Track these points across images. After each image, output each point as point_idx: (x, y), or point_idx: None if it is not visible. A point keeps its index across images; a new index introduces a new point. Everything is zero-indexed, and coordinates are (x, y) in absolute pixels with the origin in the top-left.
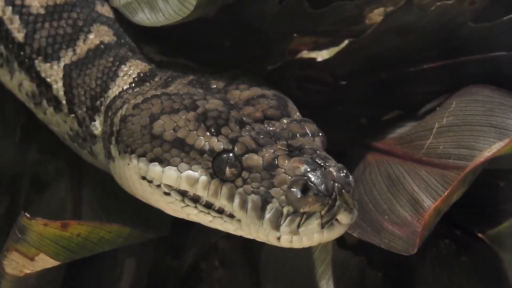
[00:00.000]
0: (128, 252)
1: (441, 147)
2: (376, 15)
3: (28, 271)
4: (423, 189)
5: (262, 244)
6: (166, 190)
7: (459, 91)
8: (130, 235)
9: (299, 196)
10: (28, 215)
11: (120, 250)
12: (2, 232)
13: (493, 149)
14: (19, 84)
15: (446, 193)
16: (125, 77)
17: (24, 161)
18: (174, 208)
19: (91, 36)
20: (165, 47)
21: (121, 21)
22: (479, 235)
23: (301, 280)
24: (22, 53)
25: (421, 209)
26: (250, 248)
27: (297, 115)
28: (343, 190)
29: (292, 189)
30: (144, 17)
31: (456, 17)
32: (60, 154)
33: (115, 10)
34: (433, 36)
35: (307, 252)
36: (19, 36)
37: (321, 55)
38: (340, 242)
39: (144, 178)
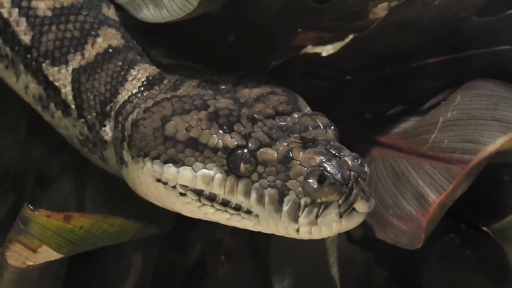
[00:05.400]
0: (135, 248)
1: (445, 141)
2: (380, 10)
3: (30, 263)
4: (428, 183)
5: (269, 238)
6: (182, 191)
7: (463, 85)
8: (133, 229)
9: (315, 186)
10: (31, 207)
11: (126, 246)
12: (9, 228)
13: (497, 143)
14: (25, 86)
15: (450, 188)
16: (134, 81)
17: (29, 158)
18: (191, 208)
19: (99, 39)
20: (172, 50)
21: (127, 24)
22: (484, 229)
23: (310, 272)
24: (28, 55)
25: (426, 204)
26: (255, 243)
27: (307, 109)
28: (359, 179)
29: (308, 180)
30: (149, 14)
31: (459, 12)
32: (64, 151)
33: (121, 13)
34: (437, 30)
35: (316, 244)
36: (26, 38)
37: (326, 50)
38: (348, 236)
39: (159, 180)
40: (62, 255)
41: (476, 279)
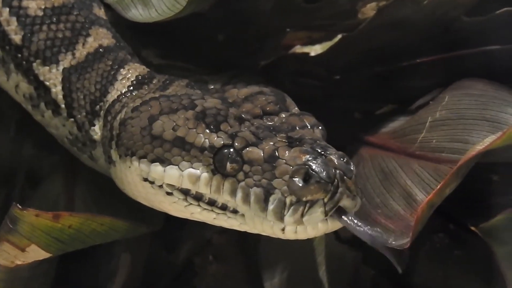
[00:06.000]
0: (124, 247)
1: (434, 141)
2: (369, 10)
3: (19, 262)
4: (416, 183)
5: (258, 238)
6: (169, 190)
7: (452, 85)
8: (122, 228)
9: (301, 184)
10: (20, 206)
11: (115, 245)
12: None
13: (486, 142)
14: (16, 85)
15: (439, 187)
16: (124, 81)
17: (19, 157)
18: (178, 208)
19: (90, 39)
20: (164, 50)
21: (118, 25)
22: (473, 228)
23: (299, 270)
24: (19, 55)
25: (414, 203)
26: (244, 242)
27: (295, 109)
28: (345, 177)
29: (293, 178)
30: (137, 13)
31: (449, 11)
32: (54, 150)
33: (112, 13)
34: (427, 30)
35: (305, 242)
36: (16, 38)
37: (315, 50)
38: (337, 236)
39: (146, 179)
40: (51, 254)
41: (465, 278)
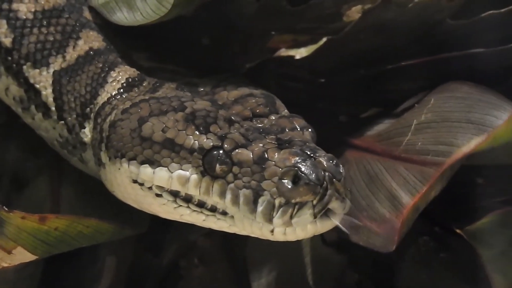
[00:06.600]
0: (109, 250)
1: (419, 143)
2: (354, 13)
3: (5, 265)
4: (402, 185)
5: (243, 241)
6: (158, 192)
7: (438, 88)
8: (108, 231)
9: (290, 186)
10: (6, 208)
11: (100, 248)
12: None
13: (471, 145)
14: (6, 88)
15: (424, 189)
16: (114, 83)
17: (4, 160)
18: (167, 209)
19: (81, 42)
20: (154, 53)
21: (109, 28)
22: (458, 231)
23: (285, 272)
24: (9, 58)
25: (399, 206)
26: (229, 245)
27: (285, 111)
28: (334, 179)
29: (283, 180)
30: (122, 17)
31: (434, 14)
32: (40, 153)
33: (102, 18)
34: (412, 33)
35: (292, 244)
36: (6, 41)
37: (300, 53)
38: (323, 239)
39: (135, 181)
40: (37, 257)
41: (450, 281)
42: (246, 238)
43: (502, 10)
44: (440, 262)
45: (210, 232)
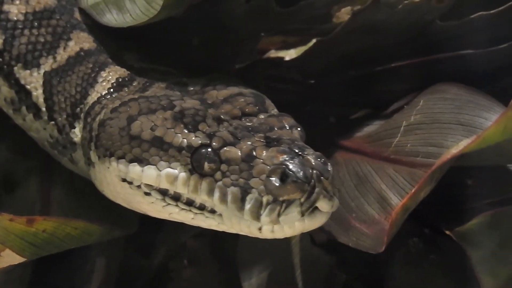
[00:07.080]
0: (99, 251)
1: (409, 145)
2: (344, 14)
3: None
4: (391, 187)
5: (233, 242)
6: (147, 190)
7: (427, 89)
8: (96, 232)
9: (277, 184)
10: None
11: (90, 249)
12: None
13: (460, 146)
14: None
15: (413, 191)
16: (104, 83)
17: None
18: (156, 208)
19: (71, 43)
20: (145, 54)
21: (100, 29)
22: (447, 232)
23: (275, 272)
24: (0, 59)
25: (388, 207)
26: (219, 246)
27: (274, 111)
28: (322, 177)
29: (270, 178)
30: (112, 18)
31: (424, 15)
32: (30, 154)
33: (92, 20)
34: (402, 34)
35: (281, 243)
36: None
37: (289, 54)
38: (312, 240)
39: (124, 180)
40: (26, 259)
41: (440, 282)
42: (236, 239)
43: (492, 11)
44: (429, 263)
45: (200, 233)
